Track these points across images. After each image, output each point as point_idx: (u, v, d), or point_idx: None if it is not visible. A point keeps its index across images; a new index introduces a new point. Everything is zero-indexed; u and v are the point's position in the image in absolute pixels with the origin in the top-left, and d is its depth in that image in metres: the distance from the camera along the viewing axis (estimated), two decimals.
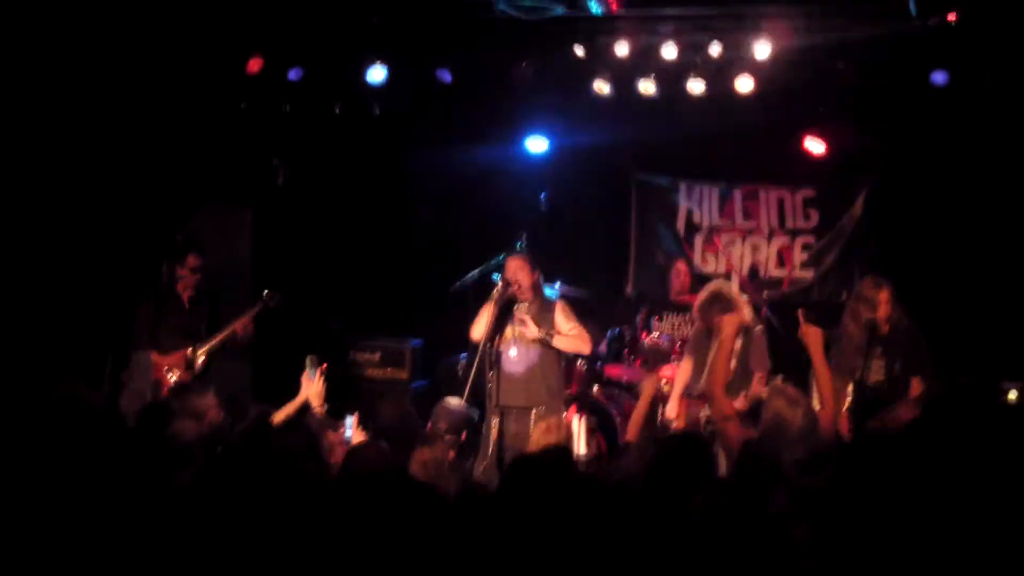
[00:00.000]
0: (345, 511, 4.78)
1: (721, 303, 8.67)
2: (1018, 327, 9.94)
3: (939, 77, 9.54)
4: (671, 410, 8.95)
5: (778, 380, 8.31)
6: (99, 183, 9.49)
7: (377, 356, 11.35)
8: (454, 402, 7.61)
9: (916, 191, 10.85)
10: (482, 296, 9.05)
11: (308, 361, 7.66)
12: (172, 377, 9.02)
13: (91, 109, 9.24)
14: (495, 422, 8.46)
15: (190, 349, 9.15)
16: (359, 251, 11.95)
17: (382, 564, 4.44)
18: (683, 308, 10.60)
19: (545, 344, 8.61)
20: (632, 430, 7.17)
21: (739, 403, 8.24)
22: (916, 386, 8.12)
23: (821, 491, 5.24)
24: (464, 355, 10.24)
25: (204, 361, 9.18)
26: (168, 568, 4.66)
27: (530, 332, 8.61)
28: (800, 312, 7.05)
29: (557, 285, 9.71)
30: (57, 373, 8.82)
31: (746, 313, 8.80)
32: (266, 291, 9.29)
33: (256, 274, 11.15)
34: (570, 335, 8.70)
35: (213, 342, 9.18)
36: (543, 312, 8.71)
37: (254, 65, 10.21)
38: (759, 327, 8.99)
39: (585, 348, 8.78)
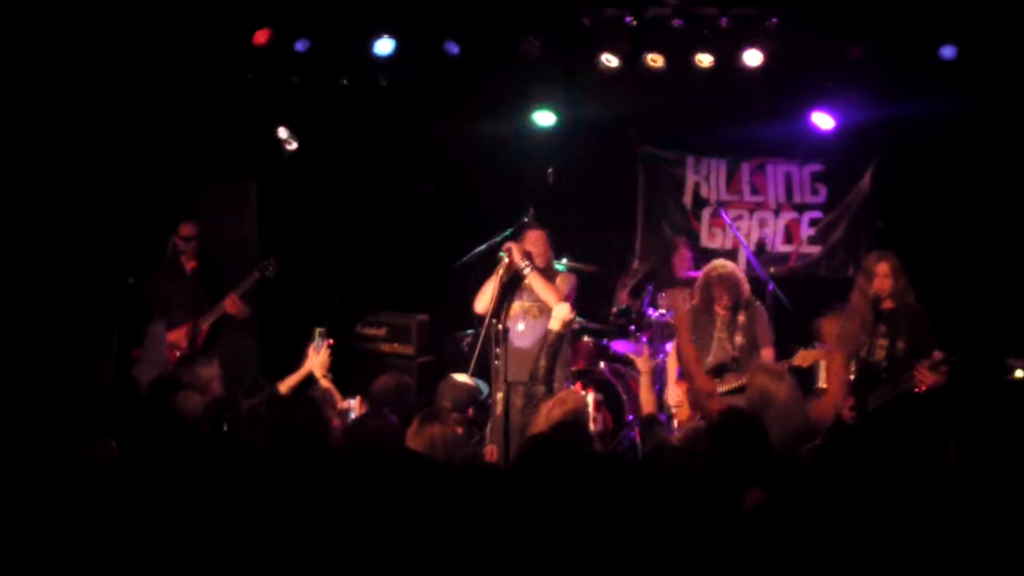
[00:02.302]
0: (348, 483, 4.80)
1: (723, 281, 8.69)
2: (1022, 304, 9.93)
3: (947, 51, 9.49)
4: (671, 396, 8.92)
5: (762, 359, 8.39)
6: (105, 157, 9.48)
7: (383, 331, 11.33)
8: (459, 378, 7.60)
9: (924, 166, 10.82)
10: (488, 271, 9.06)
11: (316, 333, 7.70)
12: (178, 351, 9.05)
13: (97, 82, 9.23)
14: (500, 397, 8.46)
15: (195, 322, 9.17)
16: (365, 225, 11.95)
17: (385, 536, 4.45)
18: (688, 283, 10.60)
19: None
20: (647, 405, 7.22)
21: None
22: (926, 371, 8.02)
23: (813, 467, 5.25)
24: (470, 331, 10.25)
25: (208, 333, 9.21)
26: (176, 538, 4.68)
27: (515, 260, 8.61)
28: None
29: (564, 261, 9.69)
30: (64, 348, 8.88)
31: (745, 289, 8.81)
32: (262, 261, 9.33)
33: (262, 247, 11.14)
34: (546, 280, 8.70)
35: (216, 314, 9.21)
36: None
37: (261, 37, 10.19)
38: (758, 302, 8.98)
39: (553, 298, 8.68)
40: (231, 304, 9.19)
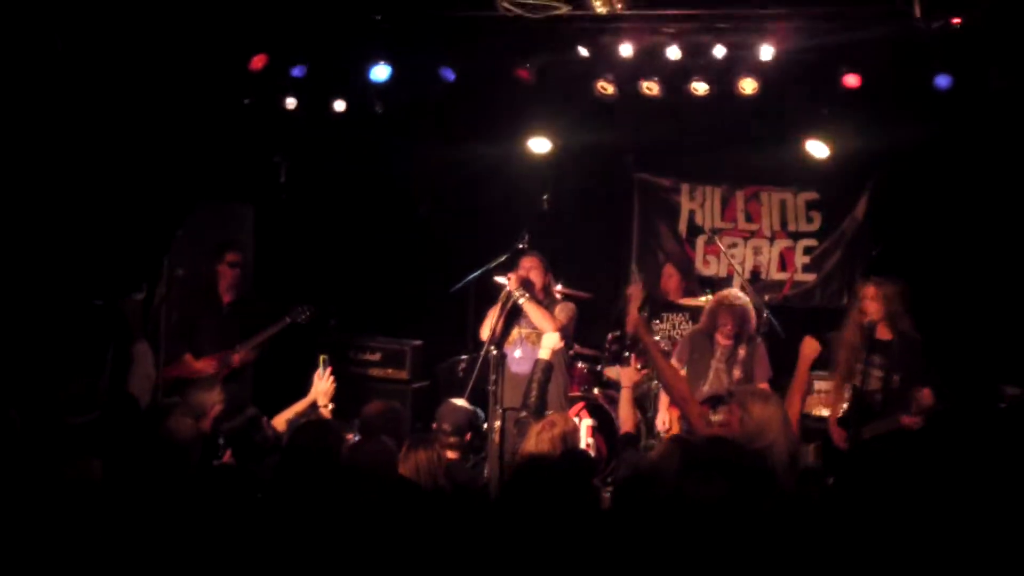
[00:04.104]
0: (343, 508, 4.79)
1: (732, 311, 8.72)
2: (1019, 331, 9.92)
3: (943, 81, 9.51)
4: (662, 421, 8.91)
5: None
6: (101, 179, 9.48)
7: (377, 356, 11.34)
8: (458, 403, 7.60)
9: (919, 195, 10.83)
10: (483, 297, 9.08)
11: (321, 360, 7.71)
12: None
13: (94, 104, 9.23)
14: (497, 425, 8.47)
15: (224, 354, 9.20)
16: (360, 250, 11.95)
17: (374, 560, 4.44)
18: (682, 308, 10.62)
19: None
20: (625, 423, 7.18)
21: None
22: (926, 396, 8.01)
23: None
24: (465, 356, 10.26)
25: (238, 368, 9.25)
26: (161, 561, 4.66)
27: (512, 289, 8.64)
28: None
29: (559, 287, 9.71)
30: (58, 369, 8.84)
31: (751, 325, 8.83)
32: (296, 306, 9.42)
33: (258, 272, 11.14)
34: (541, 308, 8.72)
35: (248, 349, 9.25)
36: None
37: (257, 62, 10.20)
38: (759, 338, 9.01)
39: (548, 326, 8.70)
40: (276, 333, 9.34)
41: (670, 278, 11.22)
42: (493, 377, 8.57)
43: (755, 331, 8.96)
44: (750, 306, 8.95)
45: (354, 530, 4.63)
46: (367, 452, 5.80)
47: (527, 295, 8.70)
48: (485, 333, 8.84)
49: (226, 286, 9.51)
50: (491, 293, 9.06)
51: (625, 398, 7.32)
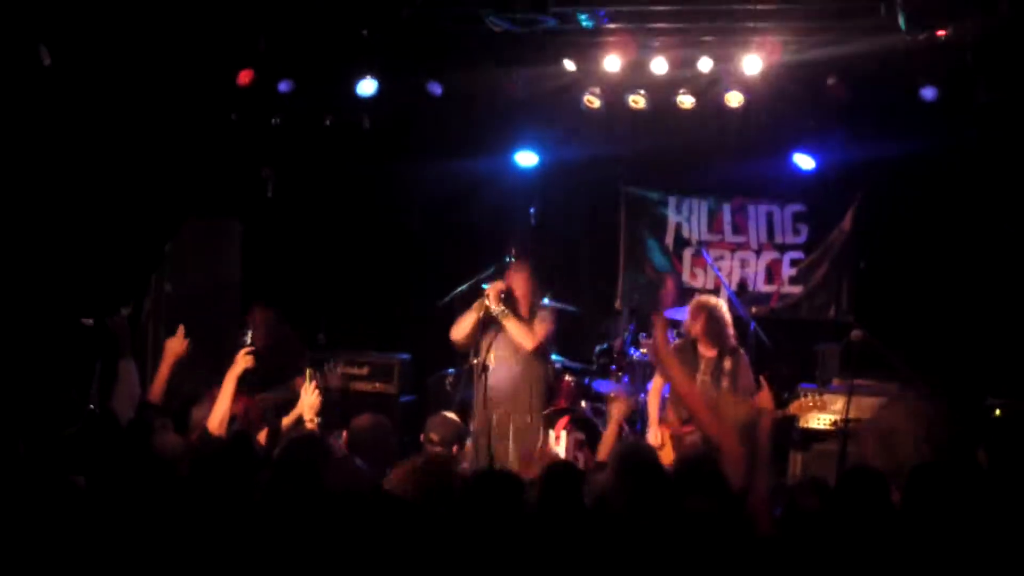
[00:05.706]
0: (326, 523, 4.78)
1: (701, 309, 8.75)
2: (1004, 344, 9.93)
3: (928, 92, 9.56)
4: (653, 437, 8.90)
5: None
6: (89, 195, 9.47)
7: (366, 370, 11.31)
8: (448, 415, 7.60)
9: (905, 206, 10.85)
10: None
11: (307, 374, 7.69)
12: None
13: (81, 122, 9.23)
14: (481, 435, 8.50)
15: (258, 397, 9.15)
16: (348, 264, 11.95)
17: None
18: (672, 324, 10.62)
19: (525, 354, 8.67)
20: (603, 452, 7.14)
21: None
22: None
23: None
24: (452, 370, 10.27)
25: (267, 411, 9.20)
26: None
27: (490, 303, 8.63)
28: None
29: (546, 301, 9.70)
30: (46, 383, 8.83)
31: (730, 331, 8.84)
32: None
33: (245, 286, 11.13)
34: (522, 324, 8.72)
35: (284, 396, 9.16)
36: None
37: (244, 77, 10.21)
38: (742, 350, 9.01)
39: (528, 343, 8.72)
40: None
41: (669, 292, 11.18)
42: (478, 385, 8.63)
43: (736, 341, 8.95)
44: (723, 309, 8.94)
45: (334, 547, 4.62)
46: (338, 472, 5.78)
47: (505, 310, 8.69)
48: (455, 333, 8.85)
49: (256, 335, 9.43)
50: (478, 300, 9.06)
51: (611, 432, 7.25)
